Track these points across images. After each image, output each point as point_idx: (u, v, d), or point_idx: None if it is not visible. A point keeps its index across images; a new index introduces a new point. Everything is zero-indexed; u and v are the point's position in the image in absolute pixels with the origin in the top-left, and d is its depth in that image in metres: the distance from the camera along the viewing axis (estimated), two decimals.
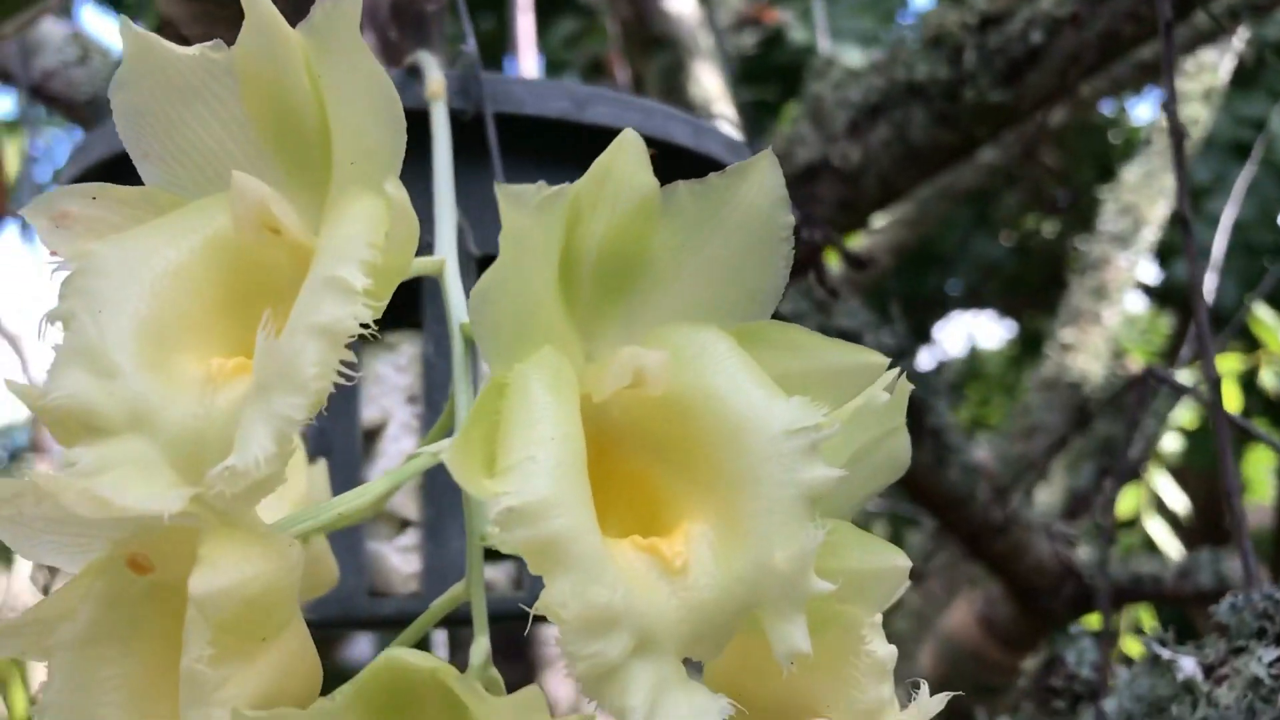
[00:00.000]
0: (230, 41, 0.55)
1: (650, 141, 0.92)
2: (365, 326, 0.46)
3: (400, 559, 0.90)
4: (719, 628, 0.50)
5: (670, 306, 0.53)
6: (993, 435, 2.69)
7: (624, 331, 0.53)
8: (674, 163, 0.95)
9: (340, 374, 0.46)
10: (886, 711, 0.53)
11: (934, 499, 1.72)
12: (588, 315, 0.53)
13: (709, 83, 2.54)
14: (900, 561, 0.52)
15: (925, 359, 3.80)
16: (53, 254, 0.51)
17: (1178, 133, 0.97)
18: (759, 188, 0.51)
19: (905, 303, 3.32)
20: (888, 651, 0.53)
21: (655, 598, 0.49)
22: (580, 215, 0.50)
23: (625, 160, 0.49)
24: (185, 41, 0.56)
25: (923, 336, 3.65)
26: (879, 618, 0.53)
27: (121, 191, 0.53)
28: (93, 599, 0.52)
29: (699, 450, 0.51)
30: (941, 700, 0.58)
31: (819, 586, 0.49)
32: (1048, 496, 2.36)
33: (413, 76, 0.87)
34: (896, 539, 2.98)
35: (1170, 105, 0.97)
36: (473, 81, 0.86)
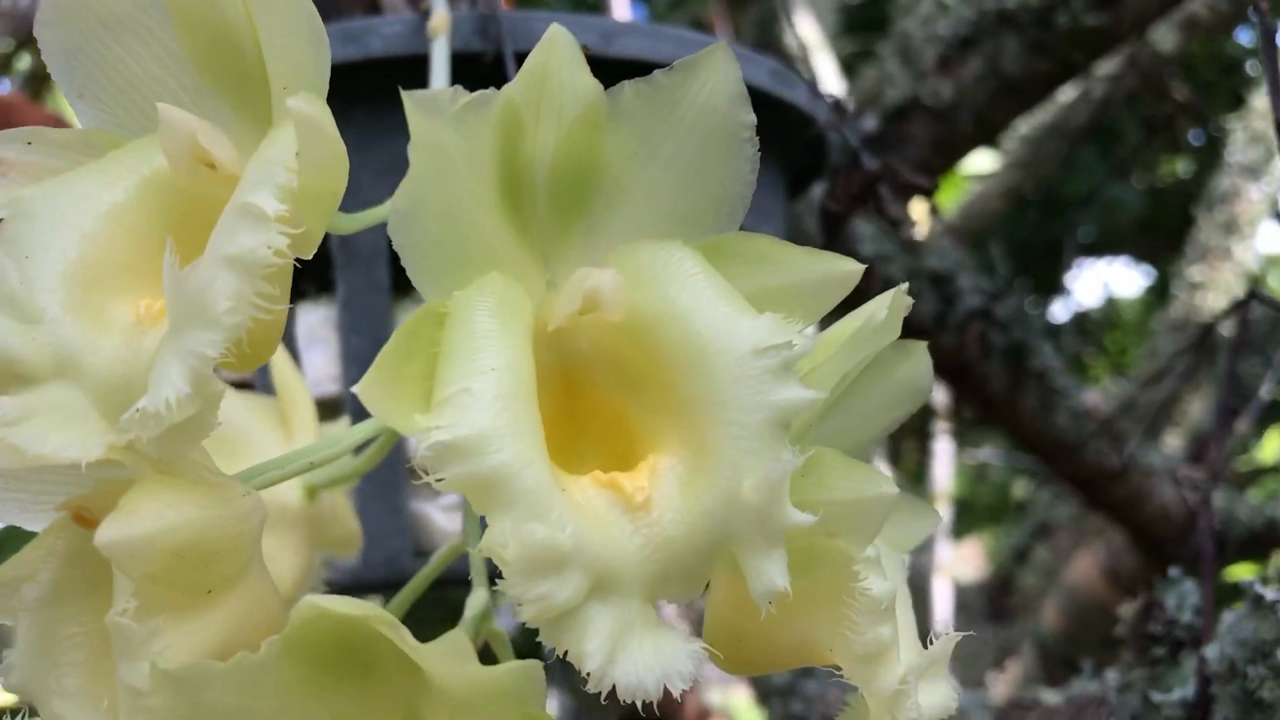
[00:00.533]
0: None
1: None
2: (285, 255, 0.43)
3: (444, 518, 0.87)
4: (689, 566, 0.46)
5: (630, 222, 0.49)
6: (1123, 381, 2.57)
7: (585, 254, 0.49)
8: None
9: (260, 307, 0.43)
10: (888, 654, 0.49)
11: (1042, 445, 1.64)
12: (547, 239, 0.49)
13: (805, 32, 2.47)
14: (887, 489, 0.47)
15: (1060, 310, 3.66)
16: None
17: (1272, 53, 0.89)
18: (713, 85, 0.47)
19: (1029, 250, 3.20)
20: (883, 589, 0.48)
21: (614, 536, 0.45)
22: (521, 126, 0.46)
23: (560, 61, 0.45)
24: None
25: (1053, 286, 3.52)
26: (875, 552, 0.48)
27: (60, 135, 0.51)
28: (54, 559, 0.50)
29: (666, 376, 0.47)
30: (947, 644, 0.53)
31: (795, 518, 0.45)
32: (1176, 440, 2.25)
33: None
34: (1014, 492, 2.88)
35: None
36: (491, 20, 0.83)
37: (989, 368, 1.53)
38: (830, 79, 2.36)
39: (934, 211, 2.65)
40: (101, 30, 0.50)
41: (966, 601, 2.69)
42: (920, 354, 0.58)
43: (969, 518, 3.46)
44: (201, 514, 0.45)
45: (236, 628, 0.47)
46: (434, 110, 0.43)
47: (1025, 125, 2.51)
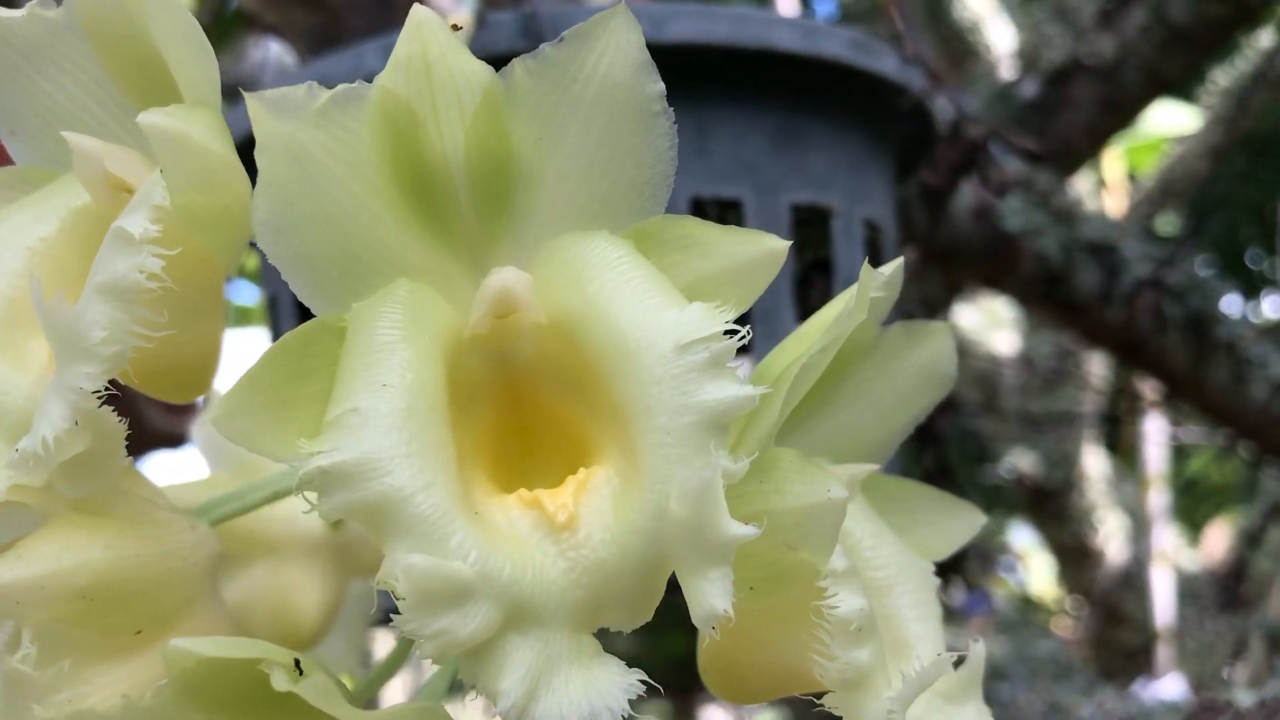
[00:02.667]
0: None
1: (749, 53, 0.84)
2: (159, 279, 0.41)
3: None
4: (626, 591, 0.41)
5: (550, 215, 0.45)
6: None
7: (513, 253, 0.45)
8: (782, 72, 0.86)
9: (141, 335, 0.41)
10: (868, 681, 0.43)
11: (1241, 421, 1.50)
12: (475, 240, 0.46)
13: (975, 3, 2.36)
14: (836, 492, 0.42)
15: None
16: None
17: None
18: (611, 55, 0.42)
19: (1246, 214, 2.97)
20: (852, 607, 0.42)
21: (534, 560, 0.41)
22: (415, 121, 0.43)
23: (439, 46, 0.42)
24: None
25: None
26: (844, 564, 0.43)
27: None
28: None
29: (597, 380, 0.43)
30: (976, 666, 0.47)
31: (734, 532, 0.40)
32: None
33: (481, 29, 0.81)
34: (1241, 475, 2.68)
35: None
36: (532, 19, 0.80)
37: (1166, 341, 1.41)
38: (1007, 49, 2.24)
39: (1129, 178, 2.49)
40: (22, 63, 0.49)
41: (1197, 591, 2.51)
42: (939, 336, 0.52)
43: (1198, 501, 3.24)
44: (108, 554, 0.43)
45: None
46: (285, 110, 0.39)
47: (1224, 77, 2.32)
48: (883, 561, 0.50)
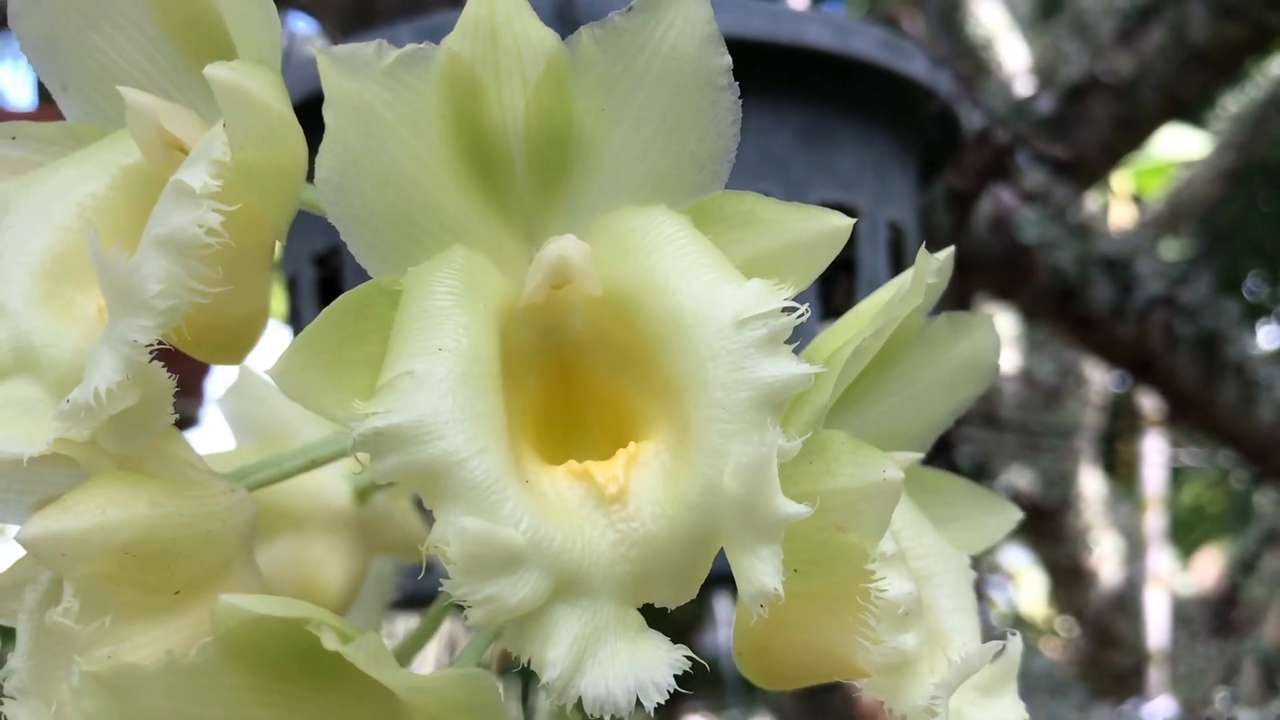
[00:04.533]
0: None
1: (782, 48, 0.84)
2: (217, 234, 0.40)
3: None
4: (674, 566, 0.41)
5: (609, 187, 0.44)
6: None
7: (568, 224, 0.45)
8: (813, 69, 0.86)
9: (196, 290, 0.41)
10: (913, 666, 0.42)
11: (1247, 443, 1.50)
12: (529, 210, 0.45)
13: (988, 20, 2.37)
14: (891, 473, 0.41)
15: None
16: None
17: None
18: (680, 26, 0.42)
19: (1248, 244, 2.98)
20: (901, 591, 0.42)
21: (584, 532, 0.40)
22: (478, 87, 0.42)
23: (506, 10, 0.41)
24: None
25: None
26: (893, 547, 0.42)
27: (42, 130, 0.50)
28: None
29: (652, 354, 0.43)
30: (1013, 657, 0.47)
31: (787, 510, 0.39)
32: None
33: None
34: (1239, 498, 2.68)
35: None
36: (568, 7, 0.80)
37: (1176, 359, 1.41)
38: (1019, 66, 2.24)
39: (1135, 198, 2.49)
40: (77, 17, 0.49)
41: (1189, 615, 2.51)
42: (984, 328, 0.52)
43: (1196, 526, 3.25)
44: (153, 511, 0.43)
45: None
46: (355, 68, 0.39)
47: (1235, 103, 2.33)
48: (923, 552, 0.50)
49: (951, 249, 0.48)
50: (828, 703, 1.83)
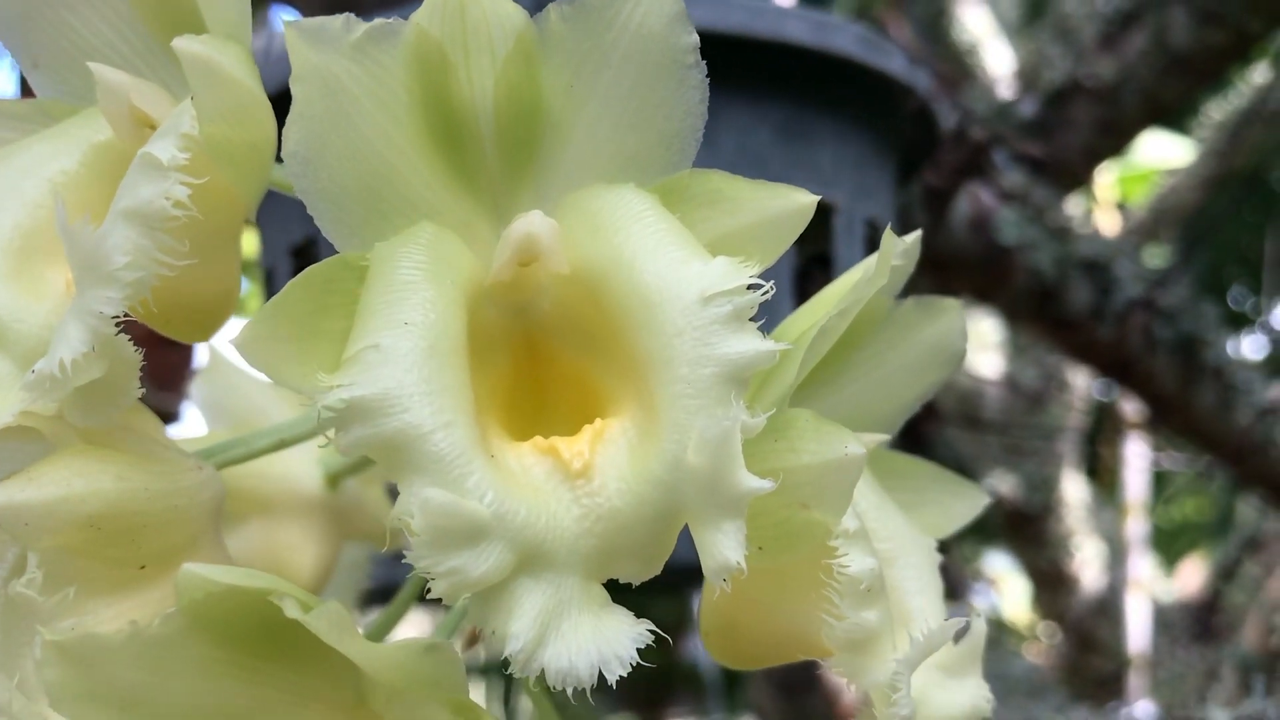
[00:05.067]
0: None
1: (761, 44, 0.85)
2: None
3: None
4: (638, 541, 0.41)
5: (578, 166, 0.45)
6: None
7: (536, 202, 0.45)
8: (792, 65, 0.86)
9: (163, 263, 0.41)
10: (875, 643, 0.43)
11: (1224, 447, 1.51)
12: (498, 188, 0.46)
13: (974, 25, 2.38)
14: (853, 449, 0.42)
15: None
16: None
17: None
18: (648, 6, 0.42)
19: (1232, 252, 2.99)
20: (863, 567, 0.42)
21: (549, 506, 0.41)
22: (446, 63, 0.43)
23: None
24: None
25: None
26: (855, 524, 0.43)
27: (13, 106, 0.50)
28: None
29: (619, 331, 0.43)
30: (977, 639, 0.47)
31: (750, 484, 0.39)
32: None
33: None
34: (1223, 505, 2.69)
35: None
36: None
37: (1155, 363, 1.42)
38: (1004, 71, 2.25)
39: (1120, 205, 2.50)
40: None
41: (1170, 621, 2.52)
42: (951, 313, 0.52)
43: (1180, 534, 3.26)
44: (119, 485, 0.43)
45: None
46: (323, 40, 0.39)
47: (1218, 110, 2.34)
48: (888, 534, 0.50)
49: (918, 233, 0.48)
50: (808, 704, 1.84)
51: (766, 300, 0.91)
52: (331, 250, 0.44)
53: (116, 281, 0.40)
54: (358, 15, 0.80)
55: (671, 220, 0.43)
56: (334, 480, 0.64)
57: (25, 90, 1.32)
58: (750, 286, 0.41)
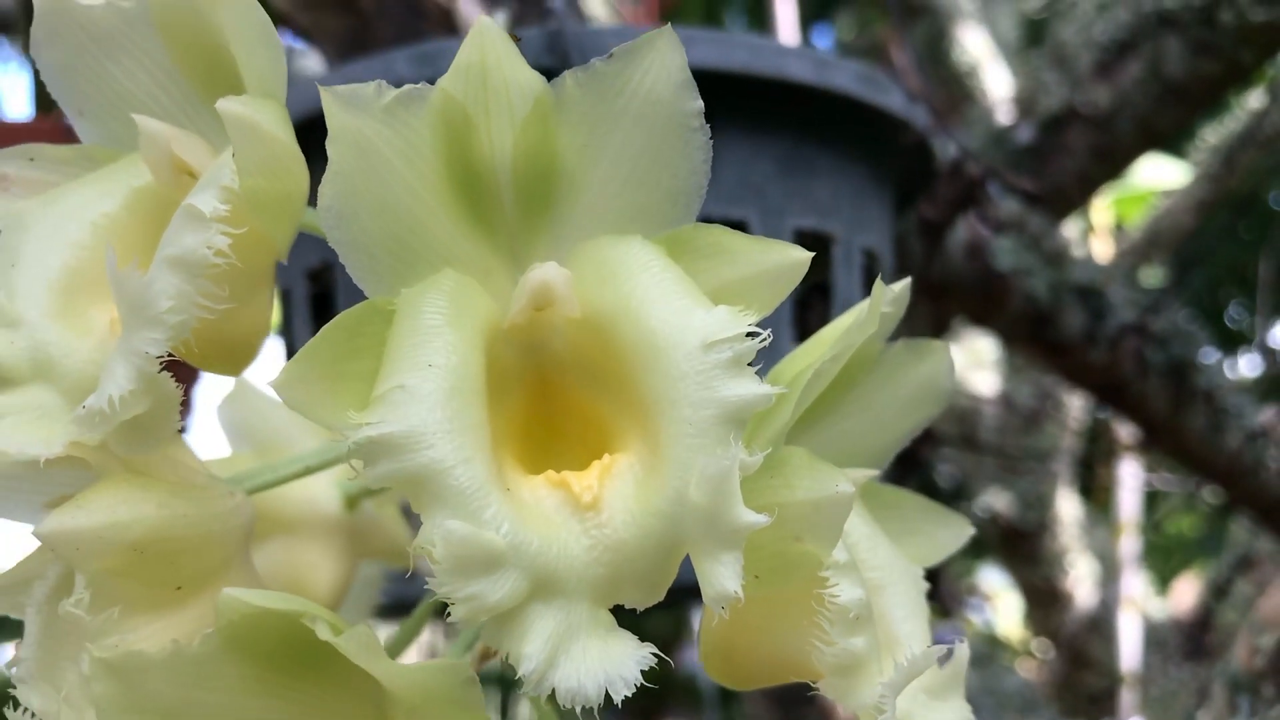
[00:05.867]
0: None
1: (763, 81, 0.88)
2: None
3: None
4: (643, 570, 0.44)
5: (589, 218, 0.48)
6: None
7: (551, 252, 0.49)
8: (793, 101, 0.89)
9: (204, 306, 0.44)
10: (863, 667, 0.46)
11: (1215, 469, 1.54)
12: (516, 237, 0.49)
13: (974, 47, 2.41)
14: (843, 487, 0.45)
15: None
16: None
17: None
18: (656, 73, 0.45)
19: (1228, 272, 3.03)
20: (851, 596, 0.45)
21: (560, 537, 0.44)
22: (469, 124, 0.46)
23: (497, 55, 0.45)
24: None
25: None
26: (845, 556, 0.46)
27: (59, 151, 0.53)
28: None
29: (627, 373, 0.46)
30: (960, 663, 0.50)
31: (747, 519, 0.43)
32: None
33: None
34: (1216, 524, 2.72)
35: None
36: (558, 36, 0.83)
37: (1147, 386, 1.45)
38: (1004, 94, 2.29)
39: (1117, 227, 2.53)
40: (94, 47, 0.52)
41: (1163, 639, 2.55)
42: (939, 354, 0.55)
43: (1174, 553, 3.28)
44: (160, 511, 0.46)
45: (212, 624, 0.48)
46: (356, 105, 0.43)
47: (1214, 135, 2.38)
48: (877, 563, 0.53)
49: (908, 281, 0.51)
50: (804, 717, 1.86)
51: (768, 327, 0.94)
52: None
53: (161, 324, 0.43)
54: (373, 48, 0.83)
55: (676, 270, 0.46)
56: (352, 502, 0.67)
57: (40, 107, 1.35)
58: (749, 334, 0.44)
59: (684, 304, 0.45)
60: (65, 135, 0.57)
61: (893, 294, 0.50)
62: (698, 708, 2.65)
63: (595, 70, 0.45)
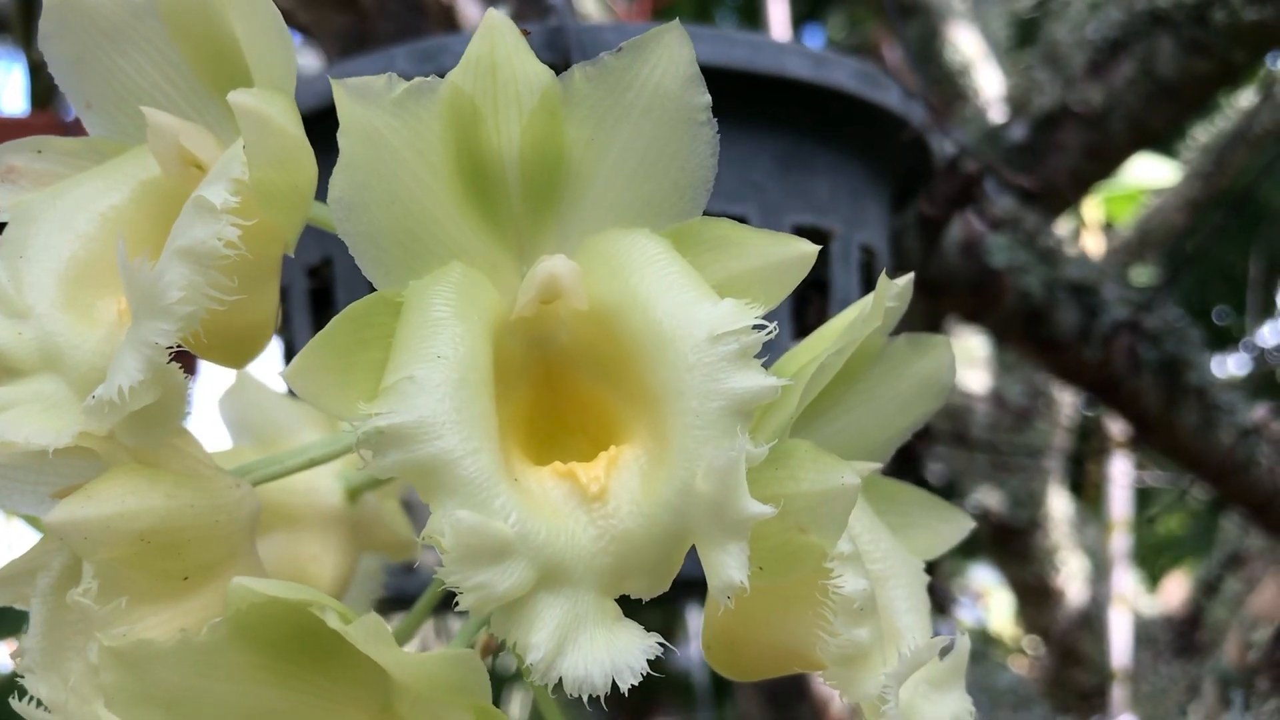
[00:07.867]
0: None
1: (763, 78, 0.88)
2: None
3: None
4: (649, 560, 0.45)
5: (597, 211, 0.48)
6: None
7: (558, 244, 0.49)
8: (792, 99, 0.90)
9: (214, 298, 0.44)
10: (867, 658, 0.46)
11: (1206, 466, 1.54)
12: (523, 230, 0.49)
13: (966, 47, 2.42)
14: (849, 479, 0.45)
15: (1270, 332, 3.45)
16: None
17: None
18: (664, 67, 0.46)
19: (1217, 271, 3.03)
20: (856, 588, 0.46)
21: (567, 527, 0.44)
22: (477, 116, 0.46)
23: (506, 48, 0.45)
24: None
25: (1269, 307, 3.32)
26: (850, 547, 0.46)
27: (66, 143, 0.53)
28: (65, 548, 0.52)
29: (634, 365, 0.47)
30: (961, 654, 0.50)
31: (753, 510, 0.43)
32: None
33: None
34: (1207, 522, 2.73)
35: None
36: (559, 33, 0.84)
37: (1140, 383, 1.45)
38: (995, 93, 2.30)
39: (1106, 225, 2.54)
40: (103, 40, 0.52)
41: (1152, 636, 2.56)
42: (941, 349, 0.56)
43: (1165, 550, 3.29)
44: (168, 502, 0.46)
45: (219, 614, 0.48)
46: (367, 97, 0.43)
47: (1204, 133, 2.39)
48: (880, 555, 0.53)
49: (911, 275, 0.52)
50: (797, 714, 1.87)
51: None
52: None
53: (171, 315, 0.43)
54: (374, 45, 0.84)
55: (683, 263, 0.46)
56: (354, 495, 0.67)
57: (35, 103, 1.35)
58: (755, 326, 0.45)
59: (691, 296, 0.45)
60: (60, 130, 0.57)
61: (896, 289, 0.50)
62: (691, 705, 2.66)
63: (604, 64, 0.46)
